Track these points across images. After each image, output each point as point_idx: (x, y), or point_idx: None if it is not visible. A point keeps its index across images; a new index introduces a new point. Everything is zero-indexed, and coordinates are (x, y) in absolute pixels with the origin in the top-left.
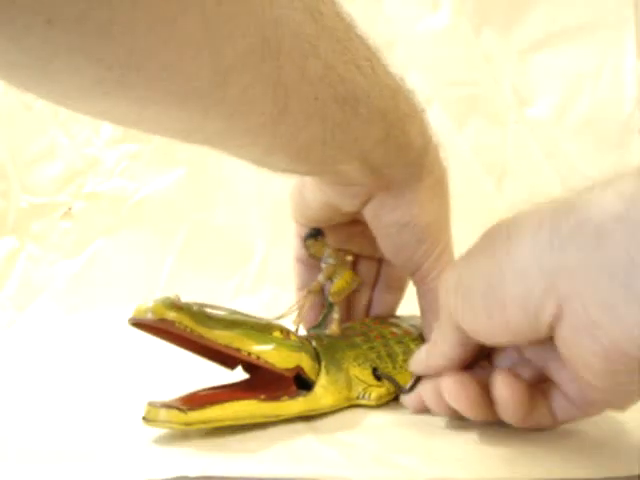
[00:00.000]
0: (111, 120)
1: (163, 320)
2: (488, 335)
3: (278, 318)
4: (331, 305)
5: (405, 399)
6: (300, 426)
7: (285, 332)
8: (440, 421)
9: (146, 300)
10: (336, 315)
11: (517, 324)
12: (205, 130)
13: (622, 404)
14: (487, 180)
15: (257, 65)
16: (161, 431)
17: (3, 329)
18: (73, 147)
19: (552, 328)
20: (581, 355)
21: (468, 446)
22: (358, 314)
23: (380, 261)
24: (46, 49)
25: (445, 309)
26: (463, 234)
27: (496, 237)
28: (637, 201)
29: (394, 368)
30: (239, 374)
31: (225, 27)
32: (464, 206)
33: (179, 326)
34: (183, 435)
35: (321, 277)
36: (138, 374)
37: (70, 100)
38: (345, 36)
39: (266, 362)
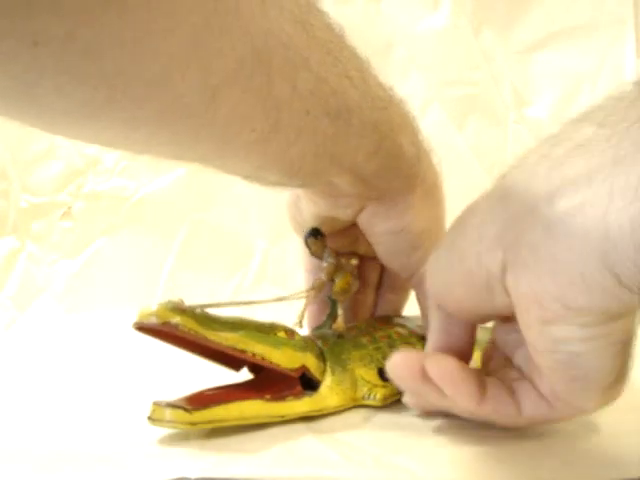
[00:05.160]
0: (101, 143)
1: (167, 323)
2: (454, 298)
3: (280, 299)
4: (334, 302)
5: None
6: (300, 427)
7: (289, 332)
8: (440, 423)
9: (149, 303)
10: (340, 311)
11: (473, 277)
12: (197, 149)
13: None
14: (487, 180)
15: (247, 80)
16: (162, 431)
17: (3, 329)
18: (73, 147)
19: (504, 286)
20: (522, 308)
21: (468, 448)
22: (363, 315)
23: None
24: (32, 72)
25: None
26: None
27: (464, 212)
28: (532, 151)
29: None
30: (245, 375)
31: (214, 41)
32: (464, 206)
33: (183, 329)
34: (183, 436)
35: (323, 276)
36: (140, 374)
37: (57, 125)
38: (336, 47)
39: (271, 362)
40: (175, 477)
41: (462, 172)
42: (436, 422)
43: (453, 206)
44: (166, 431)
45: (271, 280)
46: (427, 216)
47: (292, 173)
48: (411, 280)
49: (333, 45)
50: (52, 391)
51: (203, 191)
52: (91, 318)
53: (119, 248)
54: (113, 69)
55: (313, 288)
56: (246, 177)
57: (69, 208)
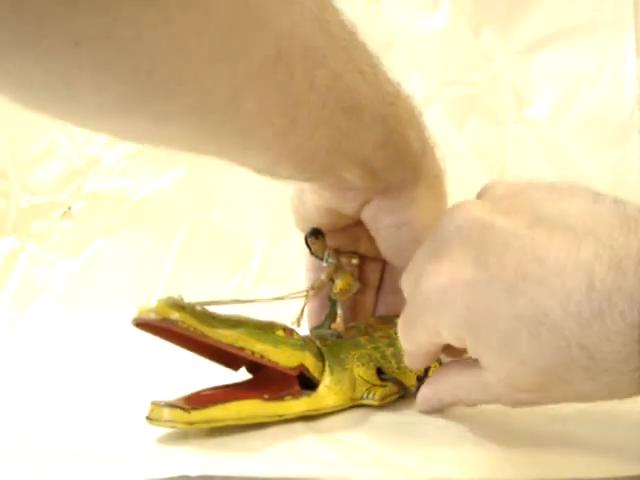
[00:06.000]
0: (128, 137)
1: (166, 320)
2: None
3: (279, 298)
4: (334, 302)
5: (420, 398)
6: (300, 426)
7: (288, 331)
8: (440, 421)
9: (148, 300)
10: (339, 311)
11: None
12: (218, 143)
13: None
14: (487, 180)
15: (270, 77)
16: (162, 430)
17: (3, 329)
18: (73, 147)
19: None
20: None
21: (467, 446)
22: (363, 315)
23: (384, 262)
24: (72, 69)
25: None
26: None
27: None
28: None
29: (398, 368)
30: (243, 375)
31: (242, 40)
32: None
33: (182, 325)
34: (184, 434)
35: (323, 276)
36: (139, 374)
37: (89, 119)
38: (350, 44)
39: (269, 361)
40: (176, 475)
41: (462, 172)
42: (436, 420)
43: None
44: (166, 430)
45: (271, 280)
46: (429, 211)
47: (305, 166)
48: None
49: (347, 42)
50: (52, 391)
51: (203, 191)
52: (91, 318)
53: (119, 248)
54: (148, 66)
55: (313, 288)
56: (259, 171)
57: (69, 208)
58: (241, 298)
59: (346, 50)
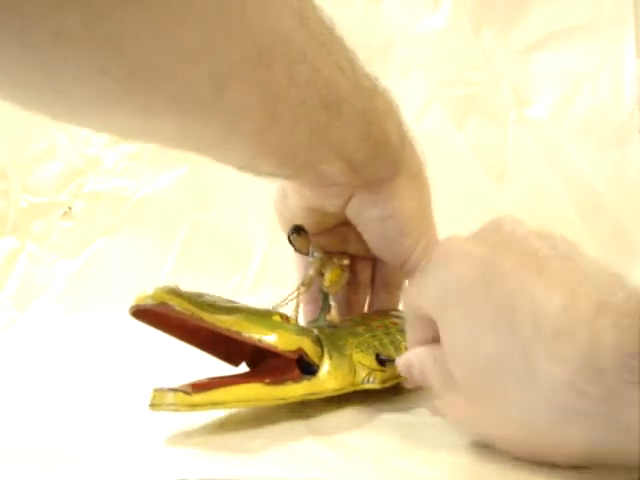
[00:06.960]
0: (114, 132)
1: (163, 304)
2: None
3: (273, 308)
4: (326, 295)
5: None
6: (300, 428)
7: (284, 317)
8: (440, 424)
9: (145, 290)
10: (333, 303)
11: None
12: (200, 137)
13: None
14: (487, 180)
15: (250, 73)
16: (162, 433)
17: (3, 329)
18: (73, 147)
19: None
20: None
21: (468, 450)
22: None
23: (375, 260)
24: (55, 63)
25: None
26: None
27: None
28: None
29: (397, 354)
30: (243, 370)
31: (223, 37)
32: (463, 206)
33: (179, 309)
34: (183, 437)
35: (311, 270)
36: (139, 374)
37: (76, 114)
38: (328, 40)
39: (268, 344)
40: (176, 479)
41: (462, 172)
42: (436, 423)
43: (453, 206)
44: (166, 433)
45: (271, 280)
46: (413, 203)
47: (286, 162)
48: (403, 269)
49: (325, 37)
50: (52, 391)
51: (203, 191)
52: (91, 318)
53: (119, 248)
54: (131, 61)
55: (303, 284)
56: (240, 167)
57: (69, 208)
58: (240, 300)
59: (324, 45)
